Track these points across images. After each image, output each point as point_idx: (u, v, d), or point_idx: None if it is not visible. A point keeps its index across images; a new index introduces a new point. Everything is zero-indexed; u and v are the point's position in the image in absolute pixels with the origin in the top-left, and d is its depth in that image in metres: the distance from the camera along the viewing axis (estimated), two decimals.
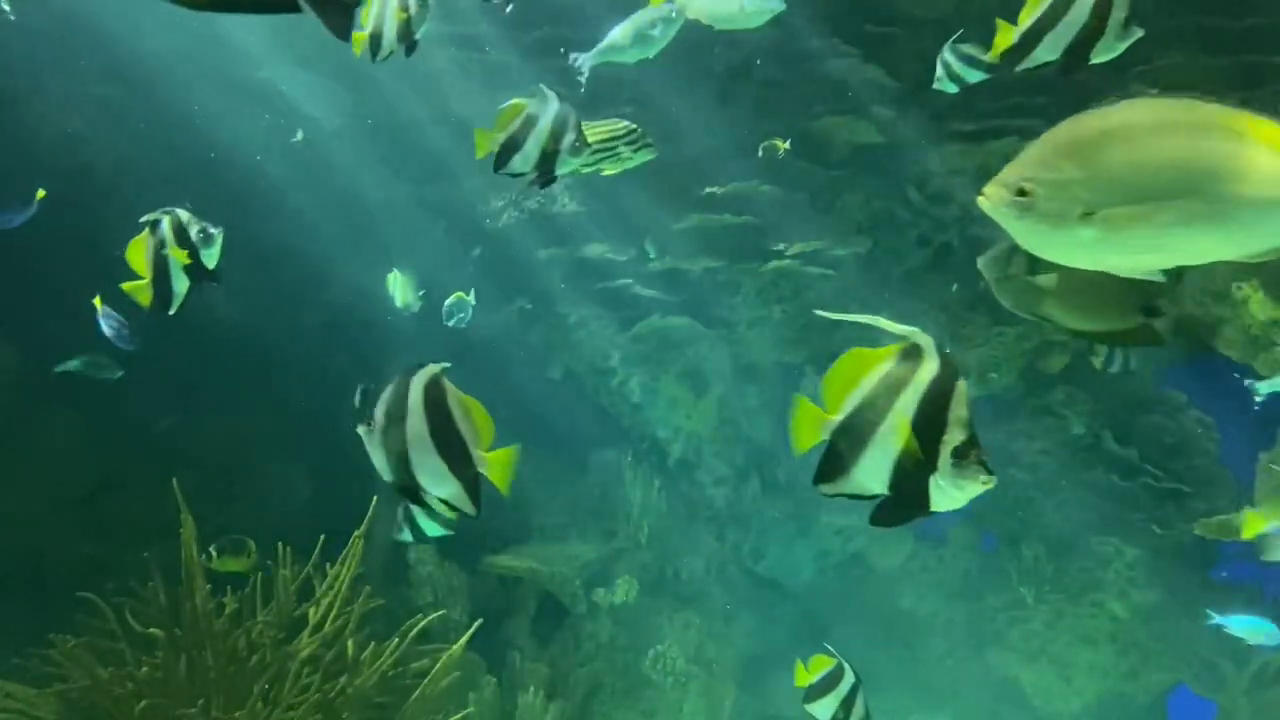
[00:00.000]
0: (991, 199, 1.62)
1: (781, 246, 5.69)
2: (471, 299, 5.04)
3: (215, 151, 5.73)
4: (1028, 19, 2.72)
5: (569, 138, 3.05)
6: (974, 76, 4.02)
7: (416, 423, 2.13)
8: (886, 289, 5.96)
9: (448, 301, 5.03)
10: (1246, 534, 3.75)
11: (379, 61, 3.13)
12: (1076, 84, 5.10)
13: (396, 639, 3.66)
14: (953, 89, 4.06)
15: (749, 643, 6.40)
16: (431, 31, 5.83)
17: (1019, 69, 2.76)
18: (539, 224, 5.99)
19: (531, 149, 3.04)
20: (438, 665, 3.67)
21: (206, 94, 5.75)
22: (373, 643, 3.59)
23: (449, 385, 2.15)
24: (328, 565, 3.78)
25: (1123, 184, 1.55)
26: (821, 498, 6.56)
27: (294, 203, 5.87)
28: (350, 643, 3.56)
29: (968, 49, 3.99)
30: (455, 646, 3.79)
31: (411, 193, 6.16)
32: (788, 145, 5.14)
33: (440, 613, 4.47)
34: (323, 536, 3.83)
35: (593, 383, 6.43)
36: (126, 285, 3.05)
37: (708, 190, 5.63)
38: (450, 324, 4.98)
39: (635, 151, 3.63)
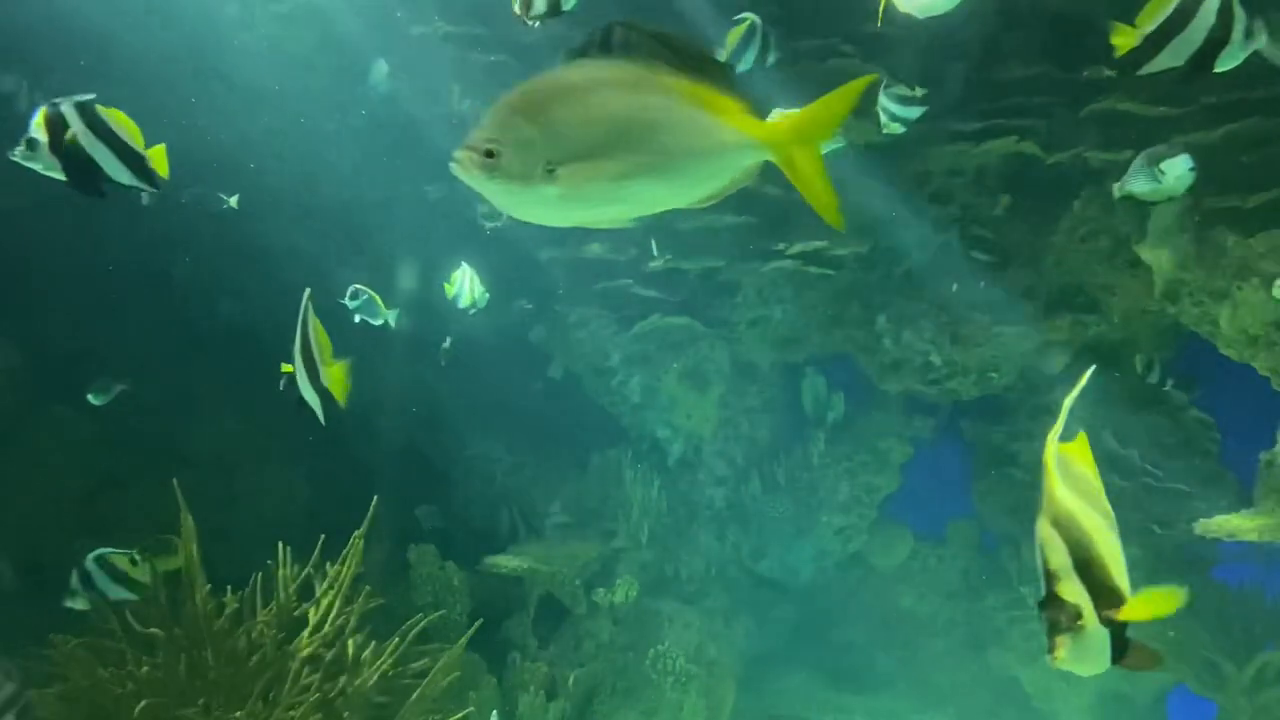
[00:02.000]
0: (462, 163, 1.64)
1: (781, 246, 5.69)
2: (382, 306, 4.92)
3: (216, 153, 5.74)
4: (1150, 23, 2.65)
5: None
6: (914, 113, 4.10)
7: (301, 339, 2.69)
8: (887, 289, 5.96)
9: (351, 288, 4.91)
10: None
11: (529, 21, 3.14)
12: (1073, 84, 5.10)
13: (396, 639, 3.66)
14: (899, 129, 4.12)
15: (749, 643, 6.40)
16: (431, 31, 5.84)
17: (1141, 73, 2.71)
18: (539, 224, 5.99)
19: None
20: (438, 665, 3.67)
21: (206, 94, 5.75)
22: (373, 643, 3.59)
23: (310, 310, 2.73)
24: (328, 565, 3.78)
25: (575, 141, 1.63)
26: (822, 497, 6.50)
27: (295, 203, 5.87)
28: (350, 643, 3.56)
29: (899, 90, 4.05)
30: (455, 646, 3.79)
31: (412, 193, 6.16)
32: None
33: (440, 613, 4.47)
34: (323, 536, 3.83)
35: (593, 383, 6.43)
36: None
37: None
38: (355, 314, 4.86)
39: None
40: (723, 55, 3.81)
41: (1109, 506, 1.53)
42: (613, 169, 1.66)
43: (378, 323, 4.89)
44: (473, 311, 5.13)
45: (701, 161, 1.71)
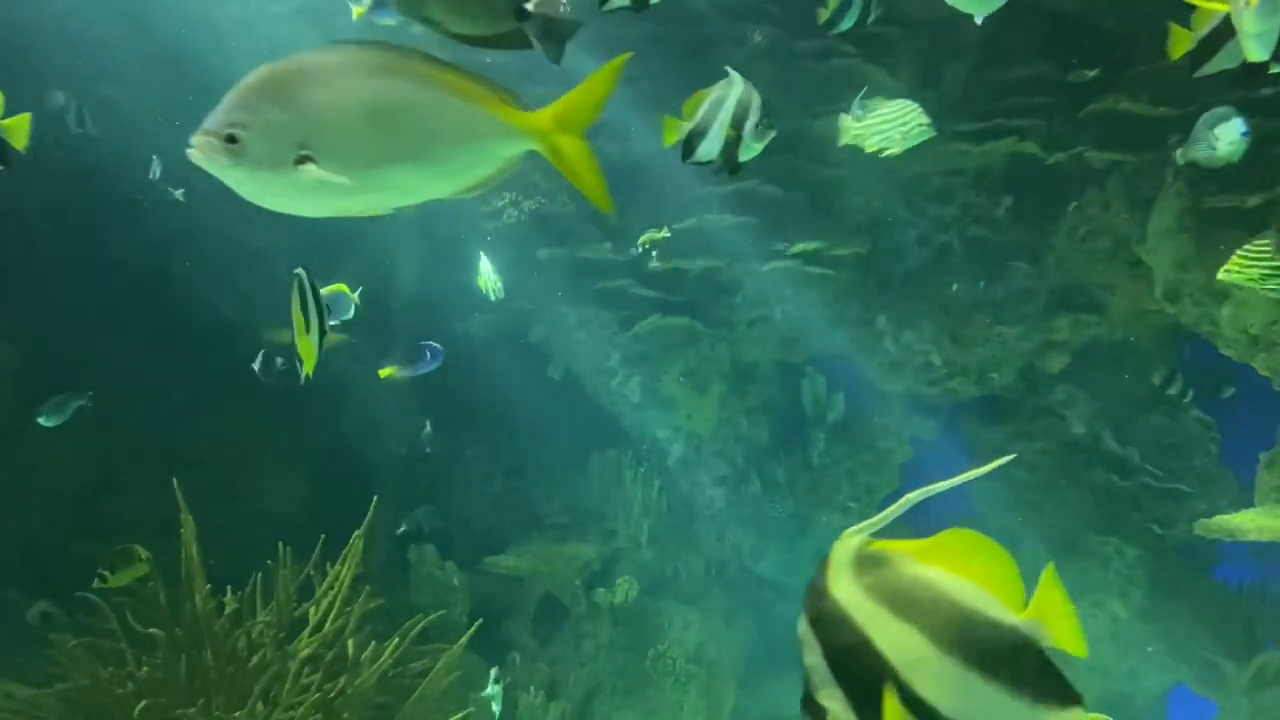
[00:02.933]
0: (201, 149, 1.55)
1: (781, 246, 5.70)
2: (355, 296, 4.90)
3: None
4: (1204, 25, 2.65)
5: (751, 122, 2.99)
6: None
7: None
8: (886, 289, 5.96)
9: (324, 291, 4.85)
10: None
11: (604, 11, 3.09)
12: (1073, 84, 5.10)
13: (396, 639, 3.66)
14: None
15: (749, 643, 6.40)
16: (431, 31, 5.83)
17: (1196, 74, 2.71)
18: (539, 224, 6.00)
19: (715, 136, 2.99)
20: (438, 665, 3.67)
21: (205, 94, 5.75)
22: (373, 643, 3.59)
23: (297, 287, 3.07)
24: (328, 565, 3.78)
25: (327, 125, 1.56)
26: (822, 497, 6.50)
27: None
28: (350, 643, 3.56)
29: (873, 104, 4.08)
30: (455, 646, 3.79)
31: None
32: (666, 233, 5.41)
33: (440, 613, 4.48)
34: (323, 536, 3.83)
35: (593, 383, 6.43)
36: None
37: (708, 190, 5.63)
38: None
39: (910, 132, 3.72)
40: (824, 16, 3.76)
41: (966, 621, 1.26)
42: (369, 155, 1.60)
43: (348, 315, 4.85)
44: (496, 300, 5.19)
45: (462, 150, 1.67)
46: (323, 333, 2.97)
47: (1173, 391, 5.43)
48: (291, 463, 6.08)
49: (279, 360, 4.22)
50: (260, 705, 3.16)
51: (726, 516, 6.46)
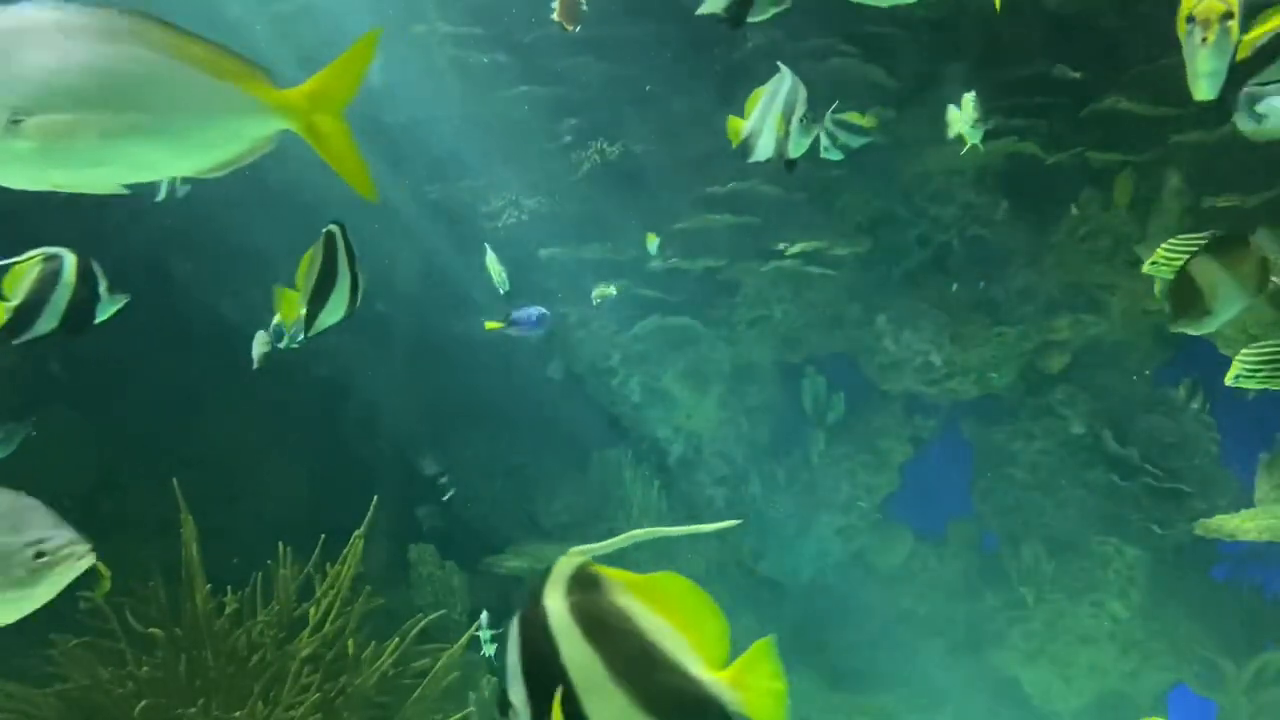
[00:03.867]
0: None
1: (781, 246, 5.70)
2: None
3: None
4: (1260, 36, 2.70)
5: (797, 116, 2.97)
6: (856, 142, 4.14)
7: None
8: (886, 289, 5.96)
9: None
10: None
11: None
12: (1075, 84, 5.10)
13: (396, 639, 3.66)
14: (837, 156, 4.15)
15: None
16: (430, 30, 5.84)
17: (1254, 83, 2.76)
18: (539, 224, 6.00)
19: (770, 134, 2.98)
20: (438, 665, 3.67)
21: None
22: (373, 643, 3.59)
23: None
24: (328, 565, 3.78)
25: (45, 89, 1.44)
26: (821, 497, 6.50)
27: (294, 203, 5.87)
28: (350, 642, 3.56)
29: (846, 118, 4.10)
30: (455, 646, 3.79)
31: (412, 192, 6.16)
32: (612, 290, 5.49)
33: (440, 612, 4.48)
34: (323, 536, 3.83)
35: (593, 383, 6.43)
36: None
37: (708, 190, 5.63)
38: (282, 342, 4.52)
39: (974, 125, 3.75)
40: None
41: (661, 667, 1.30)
42: (96, 125, 1.47)
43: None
44: (504, 294, 5.23)
45: (202, 126, 1.56)
46: (356, 289, 2.91)
47: (1195, 405, 5.46)
48: (291, 463, 6.08)
49: (261, 334, 4.16)
50: (260, 705, 3.16)
51: (726, 516, 6.45)
